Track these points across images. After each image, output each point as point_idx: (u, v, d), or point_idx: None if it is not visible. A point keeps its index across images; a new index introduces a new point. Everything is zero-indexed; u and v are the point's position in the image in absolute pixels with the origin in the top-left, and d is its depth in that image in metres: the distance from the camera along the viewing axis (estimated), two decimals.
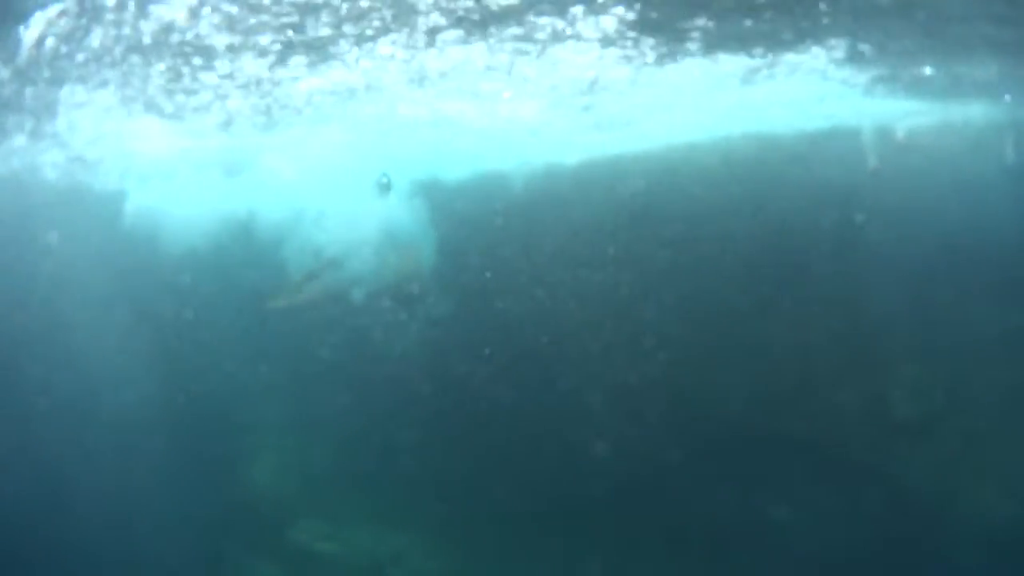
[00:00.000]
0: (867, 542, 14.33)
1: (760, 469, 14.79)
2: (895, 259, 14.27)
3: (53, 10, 8.39)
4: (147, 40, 9.54)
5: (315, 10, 9.22)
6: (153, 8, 8.61)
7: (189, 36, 9.67)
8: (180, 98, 12.54)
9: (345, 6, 9.12)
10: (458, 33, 10.00)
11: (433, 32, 9.91)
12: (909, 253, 14.21)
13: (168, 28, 9.08)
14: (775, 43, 10.26)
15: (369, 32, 9.87)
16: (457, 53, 10.79)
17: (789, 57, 10.84)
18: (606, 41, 10.47)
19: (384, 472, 16.85)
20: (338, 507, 17.07)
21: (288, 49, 10.52)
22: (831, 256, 14.81)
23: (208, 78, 11.62)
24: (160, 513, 16.35)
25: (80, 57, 9.88)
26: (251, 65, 11.08)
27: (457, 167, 17.67)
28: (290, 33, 9.91)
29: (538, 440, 16.01)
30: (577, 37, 10.22)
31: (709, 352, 15.41)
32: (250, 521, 16.74)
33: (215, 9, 9.08)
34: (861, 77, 11.60)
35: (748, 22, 9.52)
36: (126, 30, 9.04)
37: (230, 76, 11.57)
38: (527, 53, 10.88)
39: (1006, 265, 13.87)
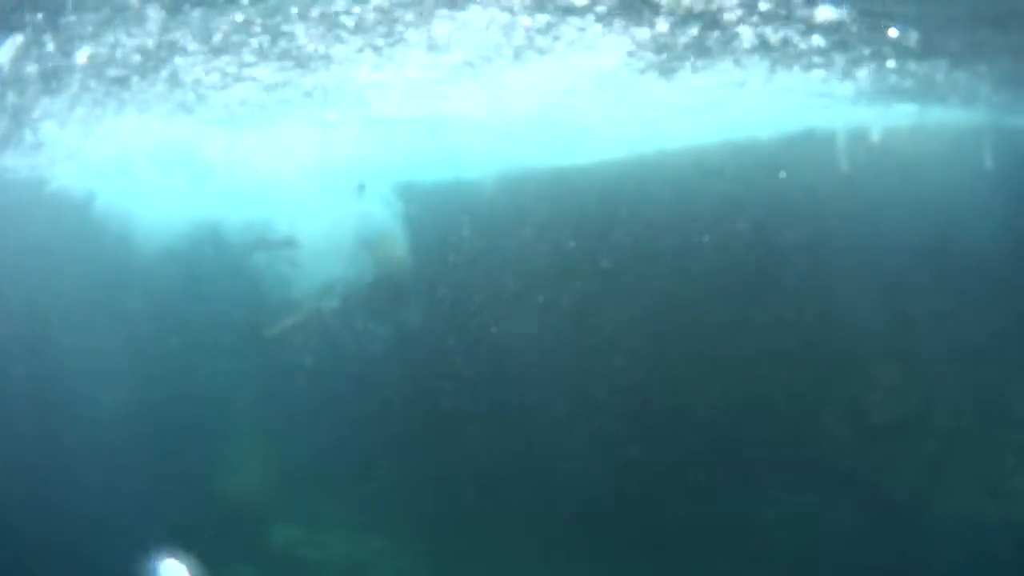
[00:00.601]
0: (847, 546, 14.43)
1: (740, 474, 14.86)
2: (875, 263, 14.31)
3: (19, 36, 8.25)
4: (118, 55, 9.37)
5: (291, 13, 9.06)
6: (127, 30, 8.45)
7: (164, 46, 9.48)
8: (151, 98, 12.31)
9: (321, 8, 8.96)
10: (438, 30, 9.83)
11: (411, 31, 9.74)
12: (889, 258, 14.25)
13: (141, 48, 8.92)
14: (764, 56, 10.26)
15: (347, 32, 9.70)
16: (439, 50, 10.64)
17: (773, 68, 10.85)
18: (592, 48, 10.38)
19: (362, 476, 16.80)
20: (316, 511, 17.02)
21: (265, 51, 10.33)
22: (812, 261, 14.81)
23: (184, 80, 11.41)
24: (137, 518, 16.20)
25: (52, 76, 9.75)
26: (228, 68, 10.87)
27: (434, 170, 17.53)
28: (266, 36, 9.73)
29: (516, 444, 15.99)
30: (563, 39, 10.10)
31: (690, 357, 15.41)
32: (227, 526, 16.63)
33: (186, 23, 8.94)
34: (846, 87, 11.62)
35: (737, 35, 9.49)
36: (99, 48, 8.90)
37: (207, 76, 11.34)
38: (512, 55, 10.76)
39: (986, 270, 13.93)
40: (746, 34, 9.35)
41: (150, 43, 9.25)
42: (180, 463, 16.89)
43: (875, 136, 14.40)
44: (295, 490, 17.06)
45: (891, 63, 10.53)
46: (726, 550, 14.80)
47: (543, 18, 9.31)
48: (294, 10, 8.88)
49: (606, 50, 10.43)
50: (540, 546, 15.55)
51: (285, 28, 9.46)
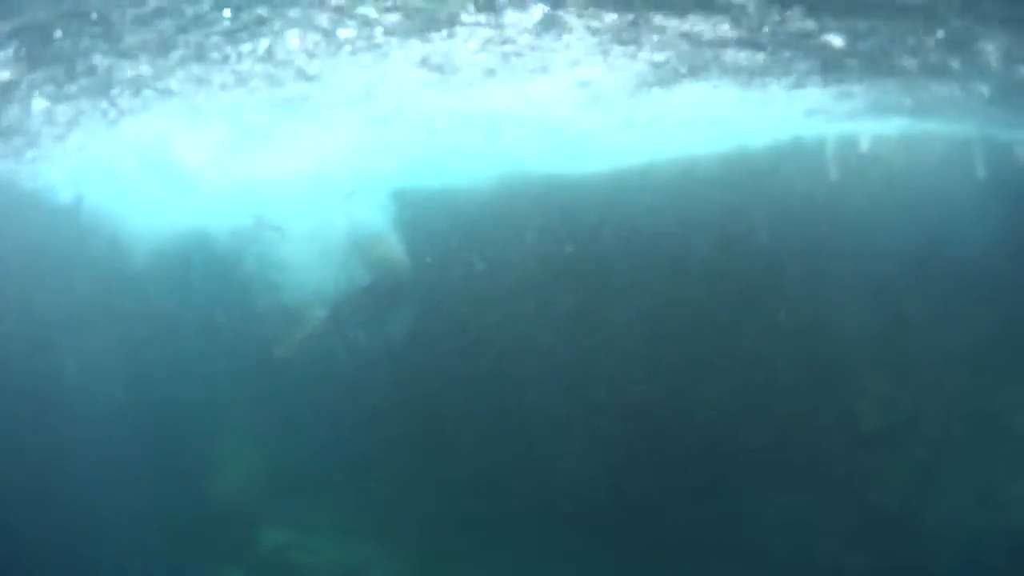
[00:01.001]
0: (839, 553, 14.51)
1: (734, 479, 14.90)
2: (863, 271, 14.35)
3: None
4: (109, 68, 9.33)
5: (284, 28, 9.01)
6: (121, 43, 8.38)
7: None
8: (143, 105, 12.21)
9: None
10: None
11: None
12: (877, 265, 14.29)
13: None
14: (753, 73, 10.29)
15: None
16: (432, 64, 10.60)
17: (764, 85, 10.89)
18: (582, 64, 10.38)
19: (353, 481, 16.77)
20: (306, 516, 16.99)
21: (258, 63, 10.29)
22: (800, 268, 14.84)
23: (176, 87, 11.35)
24: (128, 523, 16.18)
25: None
26: (221, 74, 10.83)
27: (429, 177, 17.47)
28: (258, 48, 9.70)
29: (509, 450, 15.98)
30: (560, 54, 10.08)
31: (679, 363, 15.42)
32: (219, 530, 16.62)
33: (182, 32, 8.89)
34: (839, 107, 11.67)
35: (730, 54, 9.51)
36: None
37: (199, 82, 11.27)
38: (506, 69, 10.73)
39: (973, 276, 13.99)
40: (746, 55, 9.37)
41: (143, 58, 9.18)
42: (170, 467, 16.83)
43: (870, 148, 14.44)
44: (286, 494, 17.03)
45: (890, 83, 10.57)
46: (718, 555, 14.85)
47: (538, 34, 9.31)
48: (284, 24, 8.86)
49: (600, 65, 10.44)
50: (533, 551, 15.58)
51: (277, 41, 9.44)
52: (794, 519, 14.77)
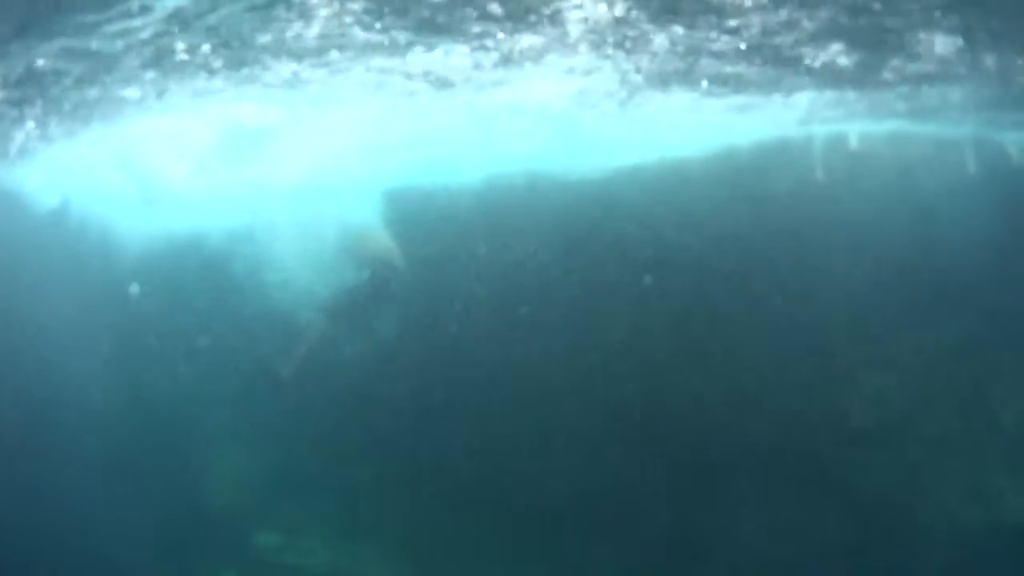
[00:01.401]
0: (831, 550, 14.58)
1: (724, 479, 14.95)
2: (854, 270, 14.38)
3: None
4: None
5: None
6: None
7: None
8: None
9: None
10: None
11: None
12: (868, 265, 14.33)
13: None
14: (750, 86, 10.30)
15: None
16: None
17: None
18: (583, 70, 10.33)
19: (344, 483, 16.75)
20: (298, 518, 16.98)
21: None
22: (791, 267, 14.86)
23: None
24: (119, 526, 16.13)
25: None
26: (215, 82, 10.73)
27: (423, 177, 17.40)
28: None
29: (501, 451, 15.97)
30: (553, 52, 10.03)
31: (672, 364, 15.43)
32: (210, 533, 16.58)
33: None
34: (831, 113, 11.70)
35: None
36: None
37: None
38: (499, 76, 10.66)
39: (963, 276, 14.06)
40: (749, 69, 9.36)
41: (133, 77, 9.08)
42: (165, 470, 16.77)
43: (864, 150, 14.48)
44: (279, 497, 17.00)
45: (889, 93, 10.61)
46: (713, 554, 14.90)
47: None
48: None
49: (597, 69, 10.40)
50: (525, 552, 15.59)
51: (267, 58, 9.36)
52: (788, 516, 14.82)
